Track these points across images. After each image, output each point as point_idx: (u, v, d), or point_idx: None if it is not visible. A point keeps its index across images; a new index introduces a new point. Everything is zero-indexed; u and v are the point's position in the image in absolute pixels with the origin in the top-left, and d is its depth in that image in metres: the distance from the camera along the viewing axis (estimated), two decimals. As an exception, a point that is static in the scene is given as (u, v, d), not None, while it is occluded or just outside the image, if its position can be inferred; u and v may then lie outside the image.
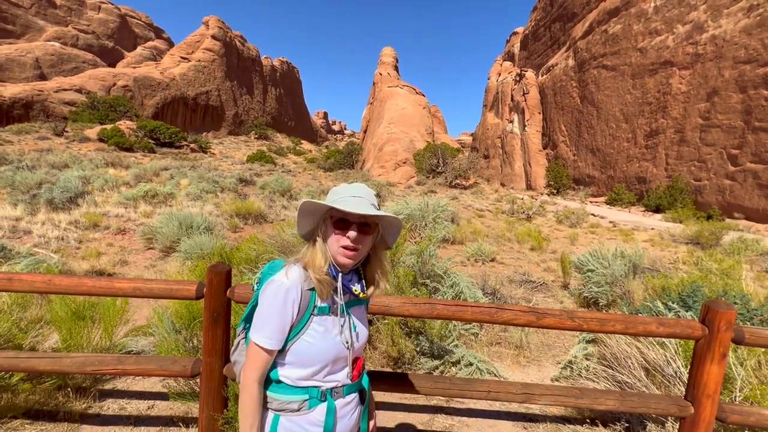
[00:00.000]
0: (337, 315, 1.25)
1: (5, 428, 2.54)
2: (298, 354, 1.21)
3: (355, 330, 1.30)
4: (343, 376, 1.28)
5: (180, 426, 2.69)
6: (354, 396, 1.32)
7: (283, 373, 1.23)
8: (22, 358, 2.32)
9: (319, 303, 1.23)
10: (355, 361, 1.31)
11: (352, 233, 1.19)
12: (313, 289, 1.22)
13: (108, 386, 3.12)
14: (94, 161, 20.33)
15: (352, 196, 1.19)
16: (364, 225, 1.21)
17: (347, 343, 1.26)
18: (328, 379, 1.25)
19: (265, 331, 1.16)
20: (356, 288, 1.27)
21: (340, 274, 1.25)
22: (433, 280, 4.66)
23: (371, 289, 1.32)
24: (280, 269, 1.25)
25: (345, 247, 1.20)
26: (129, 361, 2.32)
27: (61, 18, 67.27)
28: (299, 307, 1.19)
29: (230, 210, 10.27)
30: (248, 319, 1.35)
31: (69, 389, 2.88)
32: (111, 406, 2.88)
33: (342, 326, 1.26)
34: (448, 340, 3.91)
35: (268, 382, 1.24)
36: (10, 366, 2.30)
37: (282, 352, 1.22)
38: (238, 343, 1.38)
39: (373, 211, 1.16)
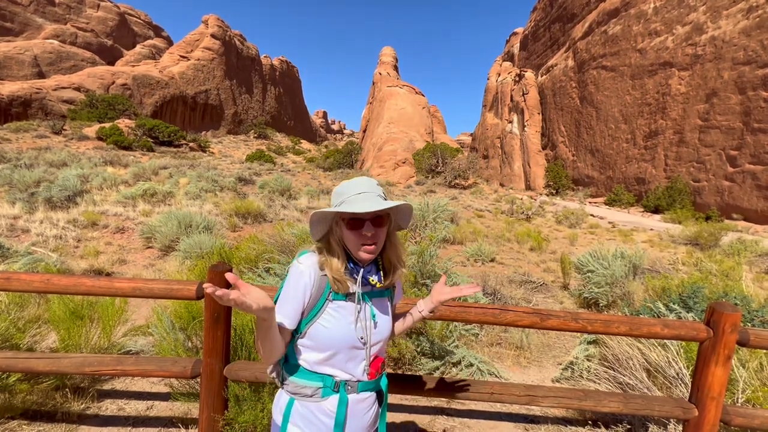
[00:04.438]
0: (354, 302, 1.25)
1: (3, 429, 2.52)
2: (314, 337, 1.23)
3: (374, 319, 1.29)
4: (359, 372, 1.27)
5: (179, 427, 2.67)
6: (369, 395, 1.30)
7: (302, 356, 1.27)
8: (20, 359, 2.30)
9: (334, 291, 1.25)
10: (374, 358, 1.31)
11: (367, 231, 1.20)
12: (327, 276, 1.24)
13: (107, 386, 3.10)
14: (93, 160, 20.26)
15: (357, 194, 1.19)
16: (377, 218, 1.22)
17: (363, 333, 1.25)
18: (344, 368, 1.25)
19: (281, 309, 1.21)
20: (374, 279, 1.27)
21: (361, 268, 1.26)
22: (434, 280, 4.64)
23: (389, 278, 1.32)
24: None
25: (364, 244, 1.21)
26: (128, 362, 2.30)
27: (59, 16, 67.07)
28: (312, 293, 1.22)
29: (229, 209, 10.24)
30: None
31: (67, 389, 2.85)
32: (109, 407, 2.85)
33: (359, 315, 1.25)
34: (448, 341, 3.90)
35: (287, 364, 1.29)
36: (7, 366, 2.28)
37: (302, 335, 1.25)
38: None
39: (383, 205, 1.17)
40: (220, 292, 0.90)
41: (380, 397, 1.36)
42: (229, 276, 0.94)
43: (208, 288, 0.89)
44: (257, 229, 9.02)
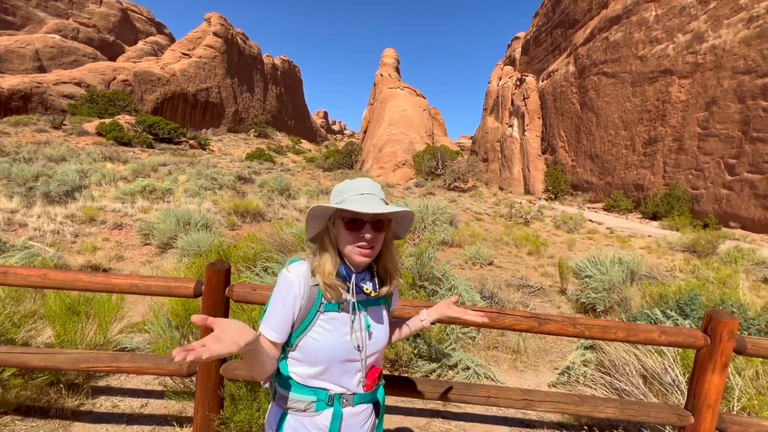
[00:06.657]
0: (348, 312, 1.19)
1: (-4, 424, 2.50)
2: (305, 351, 1.17)
3: (368, 329, 1.23)
4: (354, 384, 1.21)
5: (174, 425, 2.65)
6: (365, 407, 1.25)
7: (293, 369, 1.20)
8: (15, 353, 2.28)
9: (326, 300, 1.18)
10: (370, 369, 1.25)
11: (367, 234, 1.13)
12: (319, 285, 1.18)
13: (101, 383, 3.08)
14: (92, 155, 20.19)
15: (360, 194, 1.14)
16: (378, 222, 1.16)
17: (358, 344, 1.19)
18: (338, 381, 1.19)
19: (269, 322, 1.15)
20: (367, 287, 1.20)
21: (354, 274, 1.19)
22: (432, 282, 4.64)
23: (385, 287, 1.25)
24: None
25: (360, 247, 1.15)
26: (124, 359, 2.29)
27: (62, 10, 66.98)
28: (302, 305, 1.15)
29: (228, 208, 10.22)
30: None
31: (61, 385, 2.84)
32: (104, 404, 2.84)
33: (353, 325, 1.19)
34: (445, 343, 3.89)
35: (279, 377, 1.23)
36: (2, 361, 2.26)
37: (293, 348, 1.19)
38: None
39: (387, 209, 1.11)
40: (193, 347, 0.76)
41: (377, 408, 1.30)
42: (195, 318, 0.80)
43: (196, 318, 0.81)
44: (256, 228, 9.00)
